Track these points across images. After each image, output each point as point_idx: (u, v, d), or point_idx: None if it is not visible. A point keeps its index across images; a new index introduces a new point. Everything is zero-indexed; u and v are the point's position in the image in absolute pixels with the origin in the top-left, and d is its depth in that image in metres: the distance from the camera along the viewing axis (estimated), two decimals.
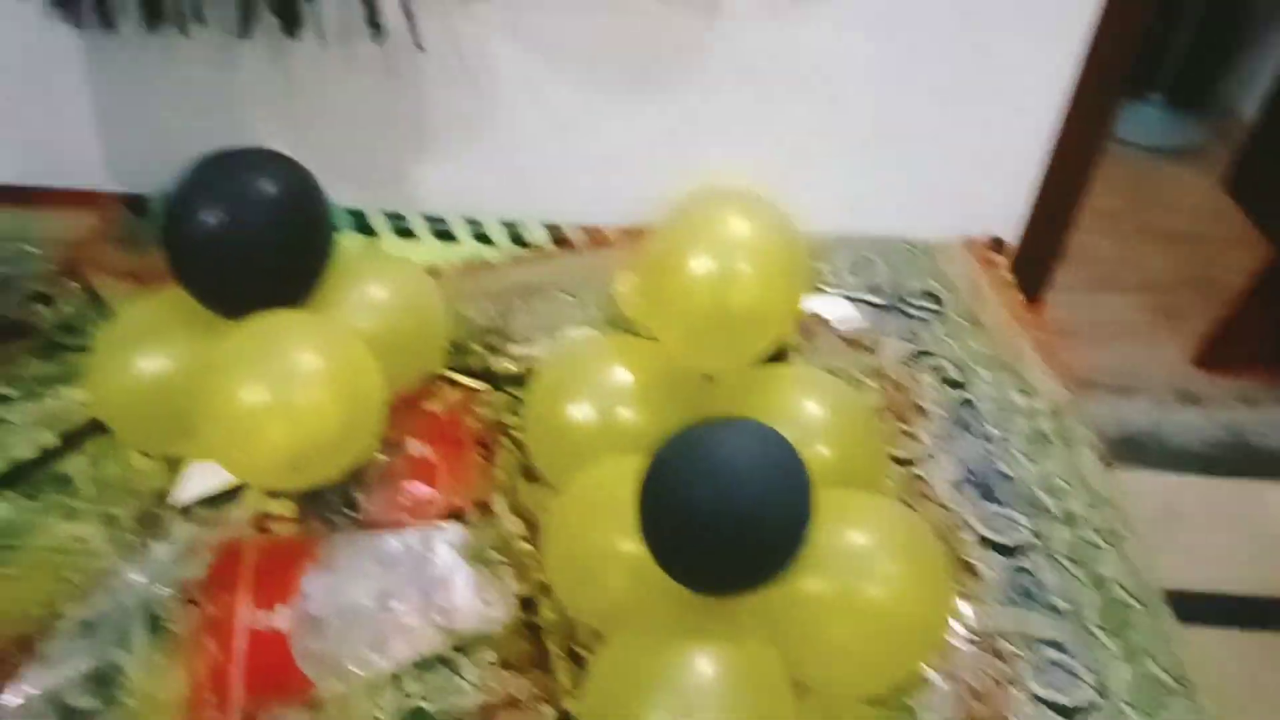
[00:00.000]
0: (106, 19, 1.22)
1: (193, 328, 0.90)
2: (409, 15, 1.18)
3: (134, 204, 1.37)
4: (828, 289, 1.26)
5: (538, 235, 1.39)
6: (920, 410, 1.07)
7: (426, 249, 1.38)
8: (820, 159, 1.35)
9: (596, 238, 1.37)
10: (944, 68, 1.27)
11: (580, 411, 0.92)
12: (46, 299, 1.20)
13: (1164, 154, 2.86)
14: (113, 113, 1.37)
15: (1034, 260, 1.44)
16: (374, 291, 0.98)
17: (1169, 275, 2.35)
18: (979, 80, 1.28)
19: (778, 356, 1.00)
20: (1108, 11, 1.23)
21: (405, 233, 1.39)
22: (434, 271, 1.28)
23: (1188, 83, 2.93)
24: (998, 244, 1.39)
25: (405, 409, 1.02)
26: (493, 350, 1.16)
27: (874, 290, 1.28)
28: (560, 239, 1.38)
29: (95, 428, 1.01)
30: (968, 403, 1.09)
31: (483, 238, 1.39)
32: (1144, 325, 2.19)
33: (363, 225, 1.38)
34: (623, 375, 0.94)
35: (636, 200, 1.36)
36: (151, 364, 0.91)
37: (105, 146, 1.40)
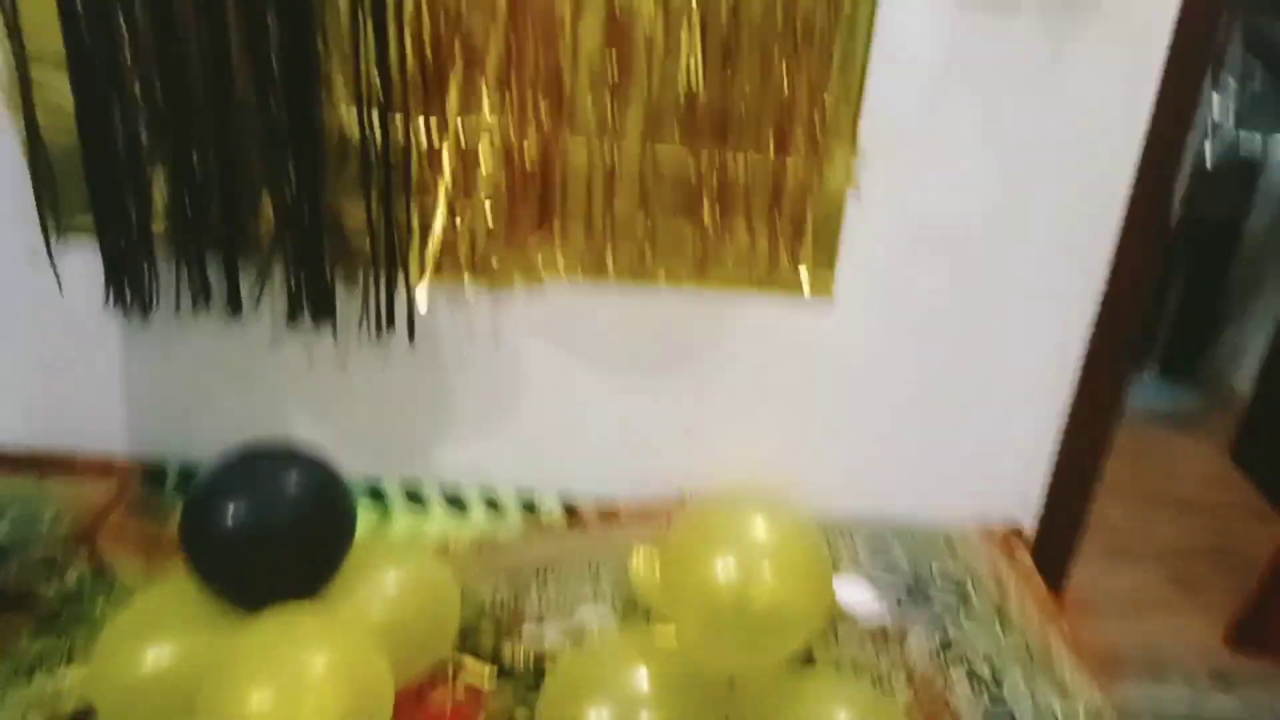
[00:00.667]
0: (147, 309, 1.28)
1: (205, 620, 0.88)
2: (410, 318, 1.27)
3: (151, 472, 1.38)
4: (846, 572, 1.24)
5: (550, 505, 1.39)
6: (952, 712, 1.02)
7: (437, 519, 1.38)
8: (829, 443, 1.38)
9: (608, 513, 1.37)
10: (951, 356, 1.33)
11: (597, 718, 0.88)
12: (53, 567, 1.17)
13: (1161, 421, 2.93)
14: (136, 383, 1.40)
15: (1054, 541, 1.43)
16: (387, 582, 0.98)
17: (1183, 545, 2.33)
18: (986, 367, 1.33)
19: (803, 656, 0.96)
20: (1109, 293, 1.28)
21: (417, 501, 1.39)
22: (444, 548, 1.27)
23: (1178, 354, 3.07)
24: (1017, 532, 1.38)
25: (412, 704, 0.98)
26: (504, 633, 1.12)
27: (892, 571, 1.25)
28: (572, 511, 1.38)
29: (86, 716, 0.96)
30: (1001, 704, 1.03)
31: (494, 507, 1.39)
32: (1164, 598, 2.14)
33: (375, 493, 1.38)
34: (641, 678, 0.90)
35: (649, 476, 1.38)
36: (157, 655, 0.88)
37: (127, 414, 1.42)
